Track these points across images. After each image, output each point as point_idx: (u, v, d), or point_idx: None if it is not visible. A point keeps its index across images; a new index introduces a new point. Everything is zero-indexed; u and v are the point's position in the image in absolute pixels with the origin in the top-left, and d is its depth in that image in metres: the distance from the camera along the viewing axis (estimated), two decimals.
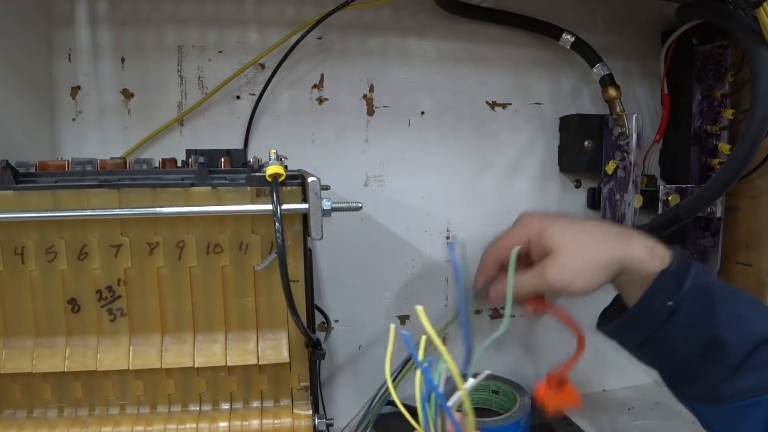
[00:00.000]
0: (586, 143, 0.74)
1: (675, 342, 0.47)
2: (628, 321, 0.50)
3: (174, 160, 0.49)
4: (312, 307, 0.49)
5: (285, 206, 0.41)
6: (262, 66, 0.67)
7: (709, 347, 0.46)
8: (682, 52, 0.74)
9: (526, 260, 0.53)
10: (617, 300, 0.55)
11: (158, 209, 0.41)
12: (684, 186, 0.73)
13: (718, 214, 0.74)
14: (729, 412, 0.47)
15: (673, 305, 0.46)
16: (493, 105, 0.75)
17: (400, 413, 0.74)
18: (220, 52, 0.66)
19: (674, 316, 0.47)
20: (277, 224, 0.40)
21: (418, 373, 0.35)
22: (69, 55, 0.63)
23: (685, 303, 0.46)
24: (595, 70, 0.70)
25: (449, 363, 0.34)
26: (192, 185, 0.42)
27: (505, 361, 0.80)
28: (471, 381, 0.34)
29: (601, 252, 0.48)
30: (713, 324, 0.46)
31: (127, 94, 0.65)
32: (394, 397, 0.37)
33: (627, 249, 0.48)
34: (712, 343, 0.46)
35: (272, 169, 0.41)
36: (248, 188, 0.43)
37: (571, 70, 0.77)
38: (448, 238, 0.76)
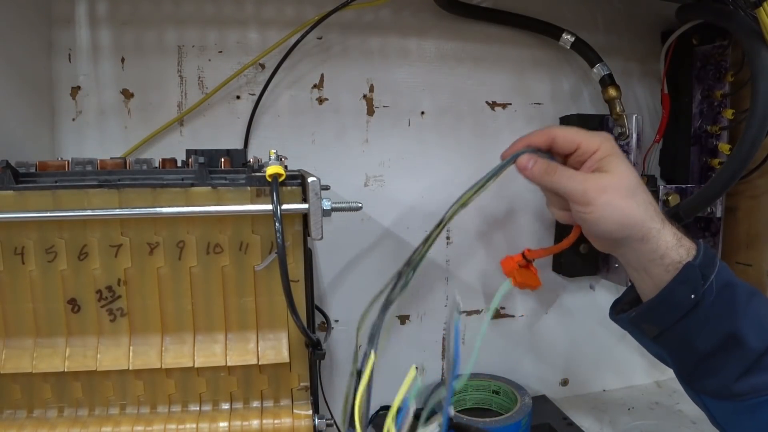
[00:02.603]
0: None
1: (693, 335, 0.47)
2: (648, 312, 0.48)
3: (174, 160, 0.49)
4: (312, 307, 0.49)
5: (285, 206, 0.41)
6: (262, 66, 0.67)
7: (727, 343, 0.46)
8: (682, 52, 0.74)
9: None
10: (631, 290, 0.53)
11: (158, 209, 0.41)
12: (684, 186, 0.73)
13: (718, 214, 0.74)
14: (740, 408, 0.47)
15: (696, 298, 0.45)
16: (493, 105, 0.75)
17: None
18: (220, 52, 0.66)
19: (695, 310, 0.46)
20: (277, 224, 0.40)
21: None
22: (69, 55, 0.63)
23: (707, 297, 0.45)
24: (595, 70, 0.70)
25: None
26: (192, 185, 0.42)
27: (505, 361, 0.80)
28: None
29: (641, 211, 0.46)
30: (733, 320, 0.46)
31: (127, 94, 0.65)
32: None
33: (660, 228, 0.46)
34: (730, 339, 0.46)
35: (272, 169, 0.41)
36: (248, 188, 0.43)
37: (571, 70, 0.77)
38: (448, 238, 0.76)
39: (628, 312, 0.50)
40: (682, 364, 0.50)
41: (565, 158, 0.49)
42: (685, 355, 0.49)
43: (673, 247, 0.46)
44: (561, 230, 0.78)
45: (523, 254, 0.55)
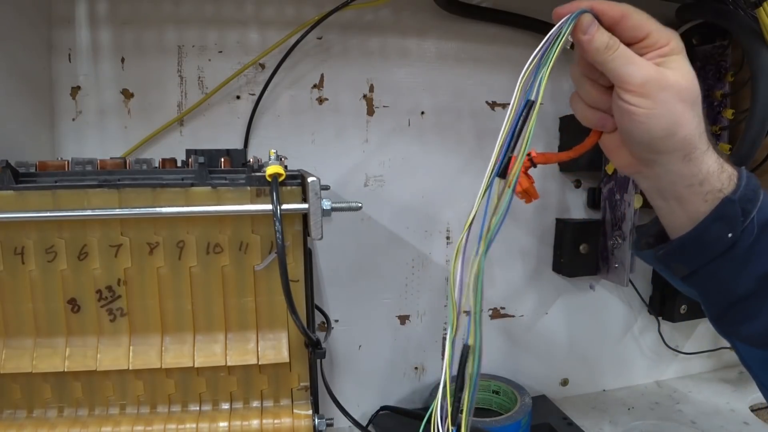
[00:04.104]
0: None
1: (728, 277, 0.42)
2: (677, 250, 0.43)
3: (174, 160, 0.49)
4: (312, 307, 0.49)
5: (285, 206, 0.41)
6: (262, 66, 0.67)
7: (766, 287, 0.41)
8: None
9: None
10: (657, 221, 0.47)
11: (158, 209, 0.41)
12: None
13: None
14: None
15: (733, 238, 0.40)
16: (493, 105, 0.75)
17: (399, 413, 0.74)
18: (220, 52, 0.66)
19: (732, 250, 0.41)
20: (277, 224, 0.40)
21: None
22: (69, 55, 0.63)
23: (746, 236, 0.40)
24: None
25: None
26: (192, 185, 0.42)
27: (505, 361, 0.80)
28: None
29: (695, 124, 0.39)
30: None
31: (127, 94, 0.65)
32: None
33: (705, 150, 0.40)
34: None
35: (272, 169, 0.41)
36: (248, 188, 0.43)
37: None
38: (447, 238, 0.76)
39: (655, 248, 0.44)
40: (713, 305, 0.45)
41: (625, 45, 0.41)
42: (718, 297, 0.44)
43: (714, 173, 0.40)
44: (561, 229, 0.78)
45: (529, 156, 0.45)
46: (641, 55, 0.40)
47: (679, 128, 0.39)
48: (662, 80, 0.38)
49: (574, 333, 0.84)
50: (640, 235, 0.48)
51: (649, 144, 0.40)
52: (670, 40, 0.39)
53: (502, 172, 0.38)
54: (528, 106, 0.37)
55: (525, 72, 0.40)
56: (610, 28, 0.40)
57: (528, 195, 0.43)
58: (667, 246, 0.43)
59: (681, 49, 0.40)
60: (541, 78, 0.39)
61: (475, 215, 0.35)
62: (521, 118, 0.37)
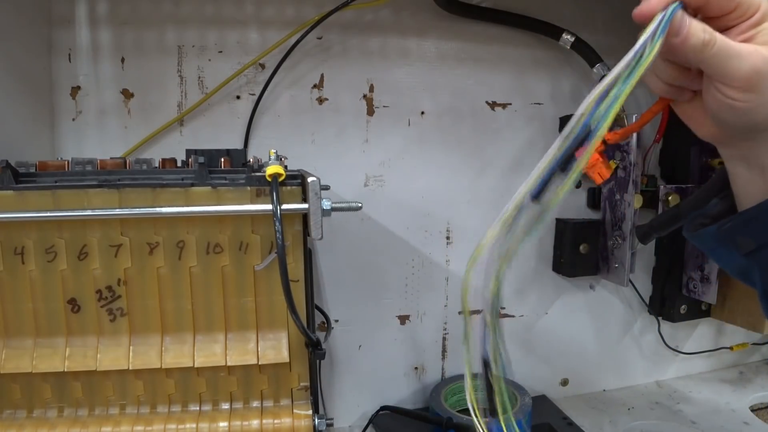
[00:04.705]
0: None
1: None
2: (751, 220, 0.39)
3: (174, 160, 0.49)
4: (312, 307, 0.49)
5: (285, 206, 0.41)
6: (262, 66, 0.67)
7: None
8: None
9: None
10: (717, 205, 0.43)
11: (158, 209, 0.41)
12: (684, 186, 0.73)
13: None
14: None
15: None
16: (493, 105, 0.75)
17: (399, 413, 0.74)
18: (220, 52, 0.66)
19: None
20: (277, 224, 0.40)
21: None
22: (69, 55, 0.63)
23: None
24: (595, 70, 0.70)
25: None
26: (192, 185, 0.42)
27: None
28: None
29: None
30: None
31: (127, 94, 0.65)
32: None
33: None
34: None
35: (272, 169, 0.41)
36: (248, 188, 0.43)
37: (571, 70, 0.77)
38: (448, 238, 0.76)
39: (720, 222, 0.41)
40: None
41: (708, 20, 0.36)
42: None
43: None
44: (561, 229, 0.78)
45: (604, 140, 0.39)
46: (731, 27, 0.35)
47: None
48: (766, 68, 0.34)
49: (574, 333, 0.84)
50: (695, 217, 0.44)
51: (747, 130, 0.37)
52: (761, 4, 0.35)
53: (537, 194, 0.34)
54: (586, 129, 0.32)
55: (602, 87, 0.32)
56: (698, 10, 0.35)
57: (604, 177, 0.39)
58: (737, 217, 0.40)
59: None
60: (617, 95, 0.32)
61: (495, 237, 0.33)
62: (577, 143, 0.32)
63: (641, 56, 0.31)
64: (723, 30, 0.35)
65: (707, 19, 0.35)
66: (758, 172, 0.38)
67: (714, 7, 0.35)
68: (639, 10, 0.34)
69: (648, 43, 0.31)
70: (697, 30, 0.33)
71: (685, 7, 0.34)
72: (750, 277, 0.42)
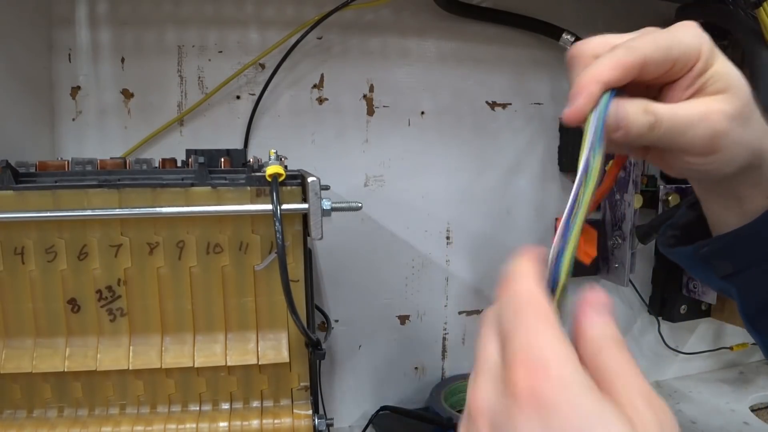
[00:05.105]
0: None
1: None
2: (728, 246, 0.37)
3: (174, 160, 0.49)
4: (312, 307, 0.49)
5: (285, 206, 0.41)
6: (262, 66, 0.67)
7: None
8: None
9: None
10: (685, 214, 0.41)
11: (158, 209, 0.41)
12: (684, 186, 0.73)
13: None
14: None
15: None
16: (493, 105, 0.75)
17: (399, 413, 0.74)
18: (220, 52, 0.66)
19: None
20: (277, 224, 0.40)
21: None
22: (69, 55, 0.63)
23: None
24: None
25: None
26: (192, 185, 0.42)
27: None
28: None
29: (761, 133, 0.32)
30: None
31: (127, 94, 0.65)
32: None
33: None
34: None
35: (272, 169, 0.41)
36: (248, 188, 0.43)
37: None
38: (448, 238, 0.76)
39: (697, 245, 0.39)
40: (752, 303, 0.40)
41: (648, 85, 0.32)
42: (761, 295, 0.39)
43: None
44: None
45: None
46: (674, 82, 0.31)
47: (751, 155, 0.32)
48: (724, 125, 0.30)
49: None
50: (665, 229, 0.43)
51: (713, 179, 0.35)
52: (700, 48, 0.30)
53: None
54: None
55: (565, 213, 0.29)
56: (636, 81, 0.30)
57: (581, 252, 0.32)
58: (713, 242, 0.38)
59: (712, 46, 0.30)
60: (572, 228, 0.28)
61: None
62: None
63: (587, 173, 0.27)
64: (667, 86, 0.31)
65: (646, 87, 0.31)
66: (734, 201, 0.36)
67: (651, 71, 0.30)
68: (567, 116, 0.30)
69: (591, 159, 0.27)
70: (637, 116, 0.29)
71: (620, 90, 0.29)
72: (730, 294, 0.42)
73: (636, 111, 0.29)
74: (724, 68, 0.30)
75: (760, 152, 0.33)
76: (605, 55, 0.29)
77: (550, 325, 0.24)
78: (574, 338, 0.25)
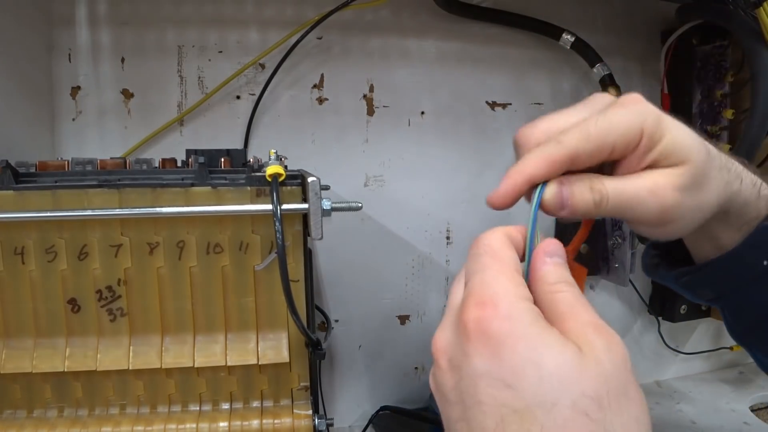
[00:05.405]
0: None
1: (759, 300, 0.38)
2: (706, 276, 0.38)
3: (174, 160, 0.49)
4: (312, 307, 0.49)
5: (285, 206, 0.41)
6: (262, 66, 0.67)
7: None
8: (682, 52, 0.74)
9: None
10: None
11: (158, 209, 0.41)
12: None
13: None
14: None
15: None
16: (493, 105, 0.75)
17: (399, 413, 0.74)
18: (220, 52, 0.66)
19: (767, 276, 0.36)
20: (277, 224, 0.40)
21: None
22: (69, 55, 0.63)
23: None
24: (595, 70, 0.70)
25: None
26: (192, 185, 0.42)
27: None
28: None
29: (721, 191, 0.32)
30: None
31: (127, 94, 0.65)
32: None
33: (739, 189, 0.34)
34: None
35: (272, 169, 0.41)
36: (248, 188, 0.43)
37: (571, 70, 0.77)
38: (448, 238, 0.76)
39: (677, 272, 0.39)
40: (739, 323, 0.42)
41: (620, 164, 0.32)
42: (746, 316, 0.40)
43: (751, 203, 0.35)
44: (561, 230, 0.78)
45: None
46: (624, 158, 0.30)
47: (709, 215, 0.33)
48: (674, 197, 0.30)
49: None
50: (647, 250, 0.43)
51: (680, 236, 0.35)
52: (642, 129, 0.29)
53: None
54: None
55: None
56: (582, 164, 0.30)
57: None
58: (692, 272, 0.39)
59: (657, 121, 0.30)
60: None
61: None
62: None
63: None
64: (619, 161, 0.31)
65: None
66: (705, 237, 0.37)
67: (583, 161, 0.29)
68: (488, 201, 0.30)
69: (533, 245, 0.28)
70: (583, 195, 0.29)
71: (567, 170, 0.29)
72: (718, 309, 0.42)
73: (582, 191, 0.29)
74: (675, 140, 0.30)
75: (724, 203, 0.33)
76: (534, 150, 0.30)
77: (505, 267, 0.26)
78: (530, 281, 0.27)
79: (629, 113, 0.30)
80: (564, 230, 0.78)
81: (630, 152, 0.30)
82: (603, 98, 0.32)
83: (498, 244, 0.27)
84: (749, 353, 0.43)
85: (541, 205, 0.29)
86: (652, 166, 0.30)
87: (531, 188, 0.29)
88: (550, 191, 0.29)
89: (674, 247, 0.40)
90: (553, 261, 0.27)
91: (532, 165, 0.29)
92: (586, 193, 0.29)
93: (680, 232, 0.33)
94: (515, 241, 0.28)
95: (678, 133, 0.30)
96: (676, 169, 0.30)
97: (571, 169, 0.30)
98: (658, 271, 0.41)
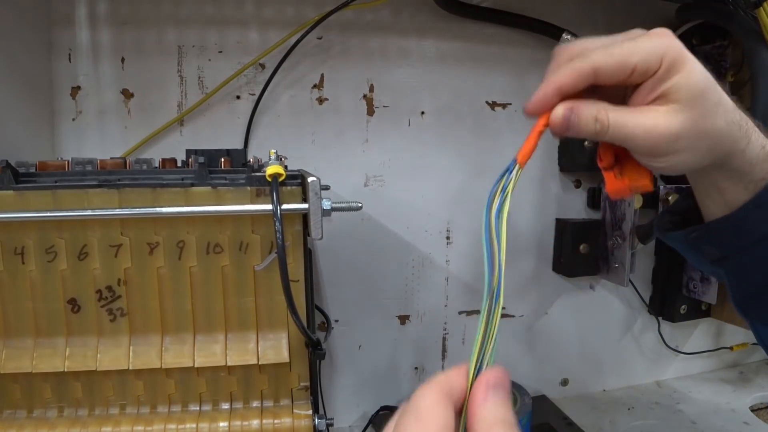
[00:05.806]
0: (585, 143, 0.74)
1: (763, 264, 0.39)
2: (711, 234, 0.40)
3: (174, 160, 0.49)
4: (312, 307, 0.49)
5: (285, 206, 0.41)
6: (262, 66, 0.67)
7: None
8: None
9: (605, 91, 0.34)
10: (684, 200, 0.44)
11: (158, 209, 0.41)
12: (684, 186, 0.73)
13: None
14: None
15: None
16: (493, 105, 0.75)
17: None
18: (220, 52, 0.66)
19: None
20: (277, 224, 0.40)
21: None
22: (69, 55, 0.63)
23: None
24: None
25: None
26: (192, 185, 0.42)
27: (505, 361, 0.80)
28: None
29: (724, 137, 0.34)
30: None
31: (127, 94, 0.65)
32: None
33: (746, 146, 0.36)
34: None
35: (272, 169, 0.41)
36: (248, 188, 0.43)
37: None
38: (448, 238, 0.76)
39: (687, 230, 0.41)
40: (741, 289, 0.43)
41: (610, 89, 0.35)
42: (748, 281, 0.41)
43: (758, 163, 0.36)
44: (561, 229, 0.78)
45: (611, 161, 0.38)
46: (641, 84, 0.33)
47: (708, 157, 0.35)
48: (671, 132, 0.32)
49: (574, 333, 0.84)
50: (663, 214, 0.45)
51: (679, 174, 0.38)
52: (662, 57, 0.32)
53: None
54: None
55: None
56: (590, 90, 0.34)
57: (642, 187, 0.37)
58: (701, 228, 0.40)
59: (676, 53, 0.32)
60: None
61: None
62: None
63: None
64: (636, 87, 0.34)
65: (607, 90, 0.34)
66: (714, 192, 0.39)
67: (606, 77, 0.33)
68: (525, 108, 0.37)
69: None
70: (588, 122, 0.34)
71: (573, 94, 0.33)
72: (722, 279, 0.43)
73: (587, 118, 0.33)
74: (689, 78, 0.32)
75: (726, 156, 0.35)
76: (566, 64, 0.34)
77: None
78: (468, 416, 0.25)
79: (653, 41, 0.32)
80: (564, 230, 0.78)
81: (648, 77, 0.32)
82: (637, 31, 0.34)
83: (426, 403, 0.25)
84: (750, 326, 0.44)
85: (549, 124, 0.35)
86: (661, 98, 0.33)
87: (560, 98, 0.34)
88: (558, 112, 0.34)
89: (690, 214, 0.42)
90: (492, 399, 0.25)
91: (561, 75, 0.33)
92: (590, 123, 0.33)
93: (674, 168, 0.35)
94: (454, 387, 0.26)
95: (694, 74, 0.32)
96: (678, 112, 0.32)
97: (596, 83, 0.33)
98: (671, 233, 0.43)
